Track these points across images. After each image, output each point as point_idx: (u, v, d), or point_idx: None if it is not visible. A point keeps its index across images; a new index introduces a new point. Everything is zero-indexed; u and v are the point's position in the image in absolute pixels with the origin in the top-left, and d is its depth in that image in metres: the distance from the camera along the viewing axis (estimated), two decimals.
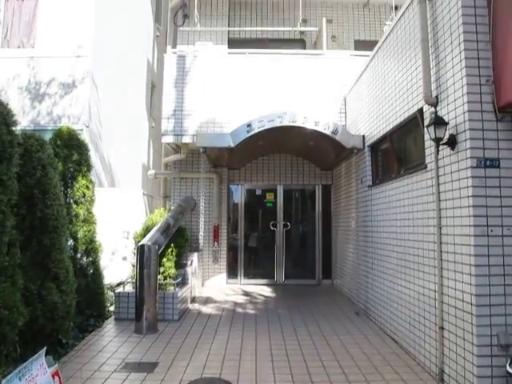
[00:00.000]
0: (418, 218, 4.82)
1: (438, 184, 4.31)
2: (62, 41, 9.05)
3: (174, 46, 9.20)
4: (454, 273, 3.94)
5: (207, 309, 7.08)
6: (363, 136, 6.94)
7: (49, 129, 8.76)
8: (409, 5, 5.08)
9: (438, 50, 4.35)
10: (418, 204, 4.85)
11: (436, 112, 4.29)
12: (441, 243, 4.23)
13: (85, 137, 8.14)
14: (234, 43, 9.45)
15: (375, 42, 6.83)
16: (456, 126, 3.96)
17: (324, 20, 8.68)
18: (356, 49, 9.48)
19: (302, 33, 9.52)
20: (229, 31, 9.44)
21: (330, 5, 9.80)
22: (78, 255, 6.00)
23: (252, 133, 6.75)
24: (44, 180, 4.32)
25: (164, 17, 12.48)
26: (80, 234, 6.03)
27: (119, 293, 6.33)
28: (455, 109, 3.99)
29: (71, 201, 6.03)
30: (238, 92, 8.19)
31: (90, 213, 6.26)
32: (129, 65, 10.36)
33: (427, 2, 4.58)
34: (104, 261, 6.81)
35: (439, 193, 4.29)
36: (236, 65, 8.30)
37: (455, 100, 3.99)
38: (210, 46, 8.80)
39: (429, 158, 4.57)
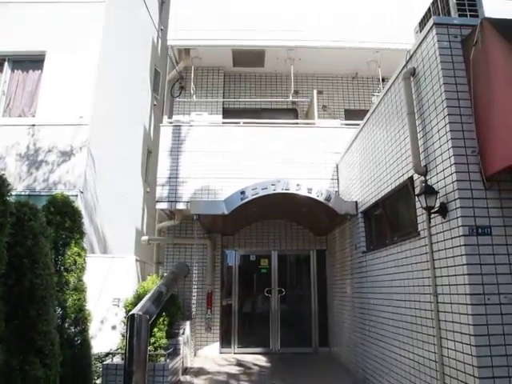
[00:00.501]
0: (414, 286, 4.76)
1: (432, 251, 4.31)
2: (62, 110, 9.34)
3: (170, 116, 9.52)
4: (454, 342, 3.84)
5: (199, 381, 6.76)
6: (356, 202, 7.03)
7: (44, 195, 8.82)
8: (394, 80, 5.36)
9: (425, 122, 4.54)
10: (413, 271, 4.82)
11: (426, 181, 4.39)
12: (438, 311, 4.16)
13: (79, 203, 8.18)
14: (229, 113, 9.81)
15: (364, 111, 7.13)
16: (446, 194, 4.04)
17: (315, 92, 9.10)
18: (346, 118, 9.86)
19: (294, 103, 9.93)
20: (224, 102, 9.83)
21: (320, 77, 10.30)
22: (66, 324, 5.79)
23: (246, 200, 6.82)
24: (35, 249, 4.27)
25: (162, 87, 13.02)
26: (69, 303, 5.86)
27: (107, 364, 6.05)
28: (444, 178, 4.09)
29: (62, 268, 5.92)
30: (232, 159, 8.38)
31: (81, 281, 6.13)
32: (126, 132, 10.65)
33: (411, 78, 4.84)
34: (93, 330, 6.57)
35: (434, 260, 4.29)
36: (230, 134, 8.57)
37: (444, 170, 4.11)
38: (206, 116, 9.12)
39: (421, 226, 4.61)
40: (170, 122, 8.86)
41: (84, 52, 8.95)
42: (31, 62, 9.22)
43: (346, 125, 8.89)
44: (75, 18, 9.11)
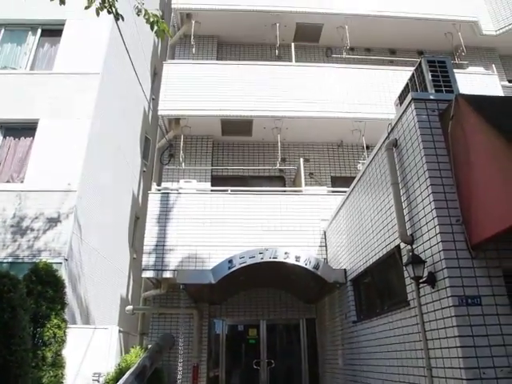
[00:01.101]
0: (407, 358, 4.61)
1: (423, 322, 4.22)
2: (51, 176, 9.37)
3: (159, 183, 9.60)
4: None
5: None
6: (345, 270, 6.97)
7: (27, 262, 8.61)
8: (378, 150, 5.54)
9: (409, 191, 4.63)
10: (405, 343, 4.69)
11: (413, 250, 4.40)
12: None
13: (63, 272, 7.98)
14: (217, 180, 9.94)
15: (350, 178, 7.27)
16: (434, 264, 4.04)
17: (301, 160, 9.33)
18: (333, 184, 10.04)
19: (281, 170, 10.13)
20: (212, 169, 9.99)
21: (306, 145, 10.60)
22: None
23: (233, 269, 6.74)
24: (12, 323, 4.11)
25: (151, 154, 13.25)
26: (45, 380, 5.54)
27: None
28: (431, 247, 4.11)
29: (40, 342, 5.66)
30: (219, 227, 8.37)
31: (59, 355, 5.85)
32: (114, 199, 10.66)
33: (394, 149, 5.01)
34: None
35: (425, 331, 4.19)
36: (218, 201, 8.62)
37: (430, 239, 4.13)
38: (194, 184, 9.22)
39: (411, 295, 4.55)
40: (159, 190, 8.91)
41: (76, 120, 9.16)
42: (24, 129, 9.37)
43: (333, 192, 9.03)
44: (69, 87, 9.40)
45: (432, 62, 5.46)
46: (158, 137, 10.49)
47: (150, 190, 9.22)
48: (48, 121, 9.19)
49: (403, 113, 4.80)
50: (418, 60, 11.37)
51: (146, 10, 5.59)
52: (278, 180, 10.26)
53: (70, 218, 9.16)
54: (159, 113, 9.44)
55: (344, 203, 7.17)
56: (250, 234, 8.27)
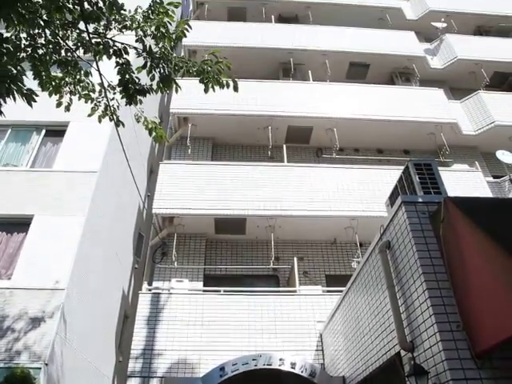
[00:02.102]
0: None
1: None
2: (39, 273, 9.13)
3: (150, 283, 9.38)
4: None
5: None
6: (343, 378, 6.54)
7: (3, 367, 8.05)
8: (371, 251, 5.51)
9: (405, 295, 4.52)
10: None
11: (414, 358, 4.17)
12: None
13: (41, 378, 7.43)
14: (210, 280, 9.72)
15: (345, 276, 7.14)
16: (437, 374, 3.80)
17: (295, 259, 9.25)
18: (328, 283, 9.84)
19: (275, 269, 9.98)
20: (205, 268, 9.83)
21: (300, 243, 10.57)
22: None
23: (225, 377, 6.33)
24: None
25: (144, 251, 13.11)
26: None
27: None
28: (433, 356, 3.90)
29: None
30: (212, 329, 8.00)
31: None
32: (104, 297, 10.29)
33: (387, 251, 4.98)
34: None
35: None
36: (211, 302, 8.35)
37: (431, 346, 3.94)
38: (186, 283, 8.99)
39: None
40: (149, 290, 8.68)
41: (71, 217, 9.15)
42: (17, 224, 9.32)
43: (328, 292, 8.84)
44: (67, 184, 9.54)
45: (418, 165, 5.66)
46: (151, 234, 10.46)
47: (140, 287, 8.98)
48: (42, 217, 9.18)
49: (394, 215, 4.86)
50: (405, 159, 11.89)
51: (145, 118, 5.88)
52: (272, 279, 10.06)
53: (55, 318, 8.75)
54: (153, 211, 9.52)
55: (340, 305, 6.96)
56: (243, 337, 7.89)
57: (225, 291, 8.51)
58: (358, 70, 14.34)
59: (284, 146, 11.27)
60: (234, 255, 10.31)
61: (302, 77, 13.56)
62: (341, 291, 7.05)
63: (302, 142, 12.22)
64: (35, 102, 3.96)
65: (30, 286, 9.06)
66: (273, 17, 15.63)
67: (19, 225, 9.33)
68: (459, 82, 14.90)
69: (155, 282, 9.44)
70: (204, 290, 8.89)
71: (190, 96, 10.35)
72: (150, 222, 11.09)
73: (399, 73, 14.48)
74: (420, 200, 4.72)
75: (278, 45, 13.62)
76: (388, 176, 10.18)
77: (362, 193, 10.11)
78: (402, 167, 5.97)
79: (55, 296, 8.92)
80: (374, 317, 5.39)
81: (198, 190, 9.77)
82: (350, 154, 12.18)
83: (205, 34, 13.48)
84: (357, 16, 15.86)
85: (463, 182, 10.86)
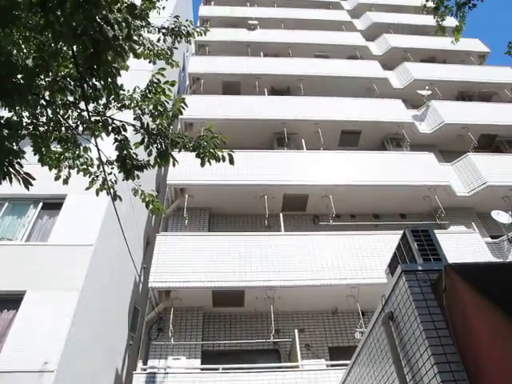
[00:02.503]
0: None
1: None
2: (27, 354, 8.72)
3: (146, 361, 8.93)
4: None
5: None
6: None
7: None
8: (374, 323, 5.32)
9: (413, 370, 4.29)
10: None
11: None
12: None
13: None
14: (208, 356, 9.25)
15: (349, 348, 6.85)
16: None
17: (296, 331, 8.91)
18: (331, 356, 9.41)
19: (275, 343, 9.59)
20: (203, 344, 9.42)
21: (301, 314, 10.24)
22: None
23: None
24: None
25: (139, 326, 12.65)
26: None
27: None
28: None
29: None
30: None
31: None
32: (96, 380, 9.76)
33: (391, 323, 4.81)
34: None
35: None
36: (209, 381, 7.90)
37: None
38: (183, 361, 8.59)
39: None
40: (145, 369, 8.26)
41: (64, 292, 8.87)
42: (8, 301, 9.00)
43: (332, 366, 8.45)
44: (62, 258, 9.36)
45: (416, 232, 5.62)
46: (147, 309, 10.14)
47: (135, 366, 8.54)
48: (34, 293, 8.89)
49: (395, 285, 4.74)
50: (402, 223, 11.91)
51: (142, 191, 5.92)
52: (273, 354, 9.62)
53: None
54: (150, 285, 9.28)
55: (345, 380, 6.61)
56: None
57: (223, 369, 8.10)
58: (350, 137, 14.77)
59: (281, 215, 11.32)
60: (232, 329, 9.94)
61: (296, 145, 13.93)
62: (345, 365, 6.73)
63: (298, 210, 12.29)
64: (32, 185, 3.99)
65: (17, 369, 8.62)
66: (266, 89, 16.35)
67: (10, 301, 9.05)
68: (448, 145, 15.33)
69: (151, 361, 8.99)
70: (202, 369, 8.46)
71: (186, 167, 10.49)
72: (145, 295, 10.81)
73: (390, 138, 14.91)
74: (420, 268, 4.64)
75: (271, 116, 14.12)
76: (386, 241, 10.12)
77: (361, 259, 9.98)
78: (400, 231, 5.92)
79: (43, 379, 8.47)
80: None
81: (195, 261, 9.62)
82: (347, 220, 12.19)
83: (201, 108, 13.98)
84: (346, 86, 16.63)
85: (462, 244, 10.82)
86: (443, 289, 4.26)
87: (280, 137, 13.89)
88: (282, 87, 16.88)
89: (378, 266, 9.42)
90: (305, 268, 9.69)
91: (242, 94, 15.86)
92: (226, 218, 12.31)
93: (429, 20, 14.07)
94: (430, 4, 6.24)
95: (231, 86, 16.59)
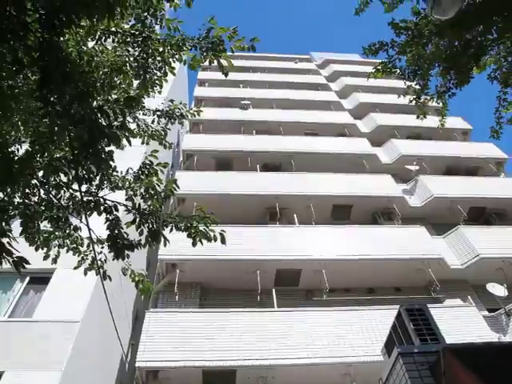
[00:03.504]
0: None
1: None
2: None
3: None
4: None
5: None
6: None
7: None
8: None
9: None
10: None
11: None
12: None
13: None
14: None
15: None
16: None
17: None
18: None
19: None
20: None
21: None
22: None
23: None
24: None
25: None
26: None
27: None
28: None
29: None
30: None
31: None
32: None
33: None
34: None
35: None
36: None
37: None
38: None
39: None
40: None
41: (46, 372, 8.36)
42: None
43: None
44: (47, 335, 8.92)
45: (411, 311, 5.54)
46: None
47: None
48: (13, 373, 8.34)
49: (392, 367, 4.61)
50: (397, 297, 11.71)
51: (132, 270, 5.83)
52: None
53: None
54: (137, 364, 8.85)
55: None
56: None
57: None
58: (342, 211, 14.96)
59: (273, 291, 11.17)
60: None
61: (288, 220, 14.03)
62: None
63: (291, 285, 12.12)
64: (25, 268, 3.95)
65: None
66: (258, 165, 16.75)
67: None
68: (439, 218, 15.51)
69: None
70: None
71: (178, 242, 10.42)
72: (133, 373, 10.24)
73: (381, 212, 15.10)
74: (417, 350, 4.53)
75: (263, 191, 14.36)
76: (382, 316, 9.90)
77: (357, 336, 9.72)
78: (396, 306, 5.84)
79: None
80: None
81: (185, 339, 9.28)
82: (341, 295, 11.98)
83: (193, 183, 14.23)
84: (336, 162, 17.11)
85: (458, 317, 10.64)
86: (442, 373, 4.13)
87: (272, 211, 14.02)
88: (274, 163, 17.32)
89: (373, 343, 9.13)
90: (300, 346, 9.37)
91: (235, 170, 16.19)
92: (218, 293, 12.05)
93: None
94: (413, 92, 6.64)
95: (224, 162, 17.01)
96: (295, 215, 13.98)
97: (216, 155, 17.11)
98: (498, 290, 11.83)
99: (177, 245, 10.64)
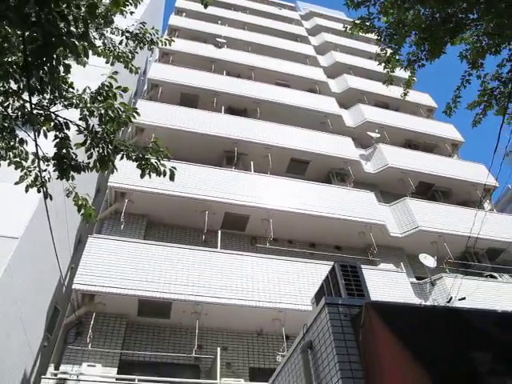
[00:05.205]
0: None
1: None
2: None
3: (58, 366, 8.49)
4: None
5: None
6: None
7: None
8: (294, 350, 5.43)
9: None
10: None
11: None
12: None
13: None
14: (126, 366, 8.93)
15: (270, 370, 6.88)
16: None
17: (219, 350, 8.84)
18: (251, 376, 9.44)
19: (197, 359, 9.45)
20: (122, 353, 9.11)
21: (226, 332, 10.21)
22: None
23: None
24: None
25: (57, 329, 12.00)
26: None
27: None
28: None
29: None
30: None
31: None
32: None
33: (309, 351, 4.93)
34: None
35: None
36: None
37: None
38: (98, 369, 8.25)
39: None
40: (55, 374, 7.85)
41: None
42: None
43: None
44: None
45: (345, 267, 5.85)
46: (67, 311, 9.67)
47: (46, 370, 8.08)
48: None
49: (317, 315, 4.89)
50: (336, 255, 12.27)
51: (76, 193, 5.68)
52: (193, 369, 9.48)
53: None
54: (74, 286, 8.88)
55: None
56: None
57: (139, 380, 7.86)
58: (299, 165, 15.16)
59: (219, 232, 11.32)
60: (155, 340, 9.68)
61: (245, 166, 14.07)
62: None
63: (237, 229, 12.38)
64: None
65: None
66: (223, 107, 16.44)
67: None
68: (389, 187, 16.13)
69: (64, 366, 8.54)
70: (117, 379, 8.15)
71: (129, 171, 10.27)
72: (69, 296, 10.32)
73: (336, 173, 15.45)
74: (342, 302, 4.81)
75: (224, 134, 14.22)
76: (319, 271, 10.37)
77: (293, 286, 10.17)
78: (332, 263, 6.13)
79: None
80: None
81: (125, 268, 9.35)
82: (284, 246, 12.40)
83: (155, 115, 13.86)
84: (302, 117, 17.11)
85: (389, 281, 11.34)
86: (361, 325, 4.44)
87: (230, 156, 13.99)
88: (239, 108, 17.08)
89: (307, 294, 9.61)
90: (236, 287, 9.72)
91: (200, 109, 15.82)
92: (164, 228, 12.13)
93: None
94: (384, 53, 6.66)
95: (189, 98, 16.56)
96: (252, 162, 14.02)
97: (182, 89, 16.59)
98: (428, 261, 12.66)
99: (128, 174, 10.60)
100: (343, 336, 4.50)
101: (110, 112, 4.67)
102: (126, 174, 10.56)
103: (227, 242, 11.89)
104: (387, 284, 11.21)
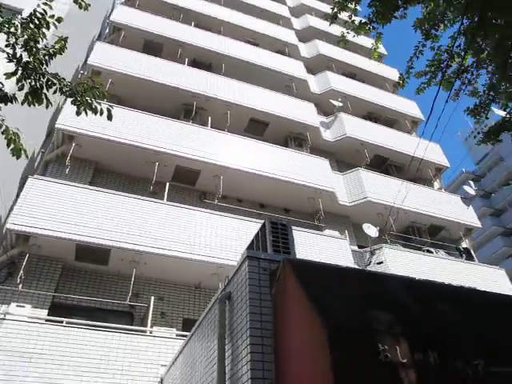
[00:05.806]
0: None
1: None
2: None
3: None
4: None
5: None
6: None
7: None
8: (215, 300, 5.55)
9: (233, 348, 4.58)
10: None
11: None
12: None
13: None
14: (58, 309, 8.88)
15: None
16: None
17: (152, 298, 8.96)
18: (184, 327, 9.60)
19: (132, 306, 9.54)
20: (54, 296, 9.06)
21: (164, 283, 10.30)
22: None
23: None
24: None
25: None
26: None
27: None
28: None
29: None
30: (47, 368, 7.20)
31: None
32: None
33: (227, 302, 5.06)
34: None
35: None
36: (52, 333, 7.55)
37: None
38: (27, 309, 8.21)
39: None
40: None
41: None
42: None
43: (182, 336, 8.62)
44: None
45: (275, 224, 5.95)
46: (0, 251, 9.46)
47: None
48: None
49: (239, 268, 4.98)
50: (284, 217, 12.44)
51: (6, 126, 5.43)
52: (127, 316, 9.59)
53: None
54: (8, 226, 8.63)
55: (182, 350, 6.83)
56: (82, 379, 7.24)
57: (67, 323, 7.87)
58: (258, 126, 15.05)
59: (167, 184, 11.22)
60: (90, 286, 9.66)
61: (203, 122, 13.83)
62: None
63: (187, 184, 12.30)
64: None
65: None
66: (187, 59, 15.92)
67: None
68: (345, 157, 16.37)
69: None
70: (46, 320, 8.10)
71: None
72: (2, 236, 10.08)
73: (294, 137, 15.46)
74: (263, 257, 4.90)
75: (184, 86, 13.85)
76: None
77: (235, 242, 10.29)
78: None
79: None
80: (205, 365, 5.36)
81: (65, 212, 9.13)
82: (233, 204, 12.46)
83: (114, 59, 13.31)
84: (267, 78, 16.87)
85: (332, 246, 11.67)
86: (276, 278, 4.56)
87: (188, 109, 13.70)
88: (204, 62, 16.58)
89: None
90: (178, 239, 9.75)
91: (163, 58, 15.26)
92: (112, 176, 11.87)
93: (360, 38, 14.85)
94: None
95: (153, 46, 15.91)
96: (210, 118, 13.81)
97: (146, 36, 15.91)
98: (371, 230, 13.07)
99: (77, 117, 10.20)
100: (259, 289, 4.62)
101: (31, 43, 4.43)
102: (75, 116, 10.15)
103: (176, 195, 11.84)
104: (329, 249, 11.54)
